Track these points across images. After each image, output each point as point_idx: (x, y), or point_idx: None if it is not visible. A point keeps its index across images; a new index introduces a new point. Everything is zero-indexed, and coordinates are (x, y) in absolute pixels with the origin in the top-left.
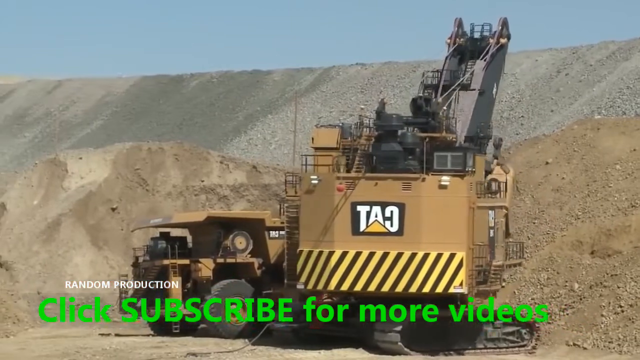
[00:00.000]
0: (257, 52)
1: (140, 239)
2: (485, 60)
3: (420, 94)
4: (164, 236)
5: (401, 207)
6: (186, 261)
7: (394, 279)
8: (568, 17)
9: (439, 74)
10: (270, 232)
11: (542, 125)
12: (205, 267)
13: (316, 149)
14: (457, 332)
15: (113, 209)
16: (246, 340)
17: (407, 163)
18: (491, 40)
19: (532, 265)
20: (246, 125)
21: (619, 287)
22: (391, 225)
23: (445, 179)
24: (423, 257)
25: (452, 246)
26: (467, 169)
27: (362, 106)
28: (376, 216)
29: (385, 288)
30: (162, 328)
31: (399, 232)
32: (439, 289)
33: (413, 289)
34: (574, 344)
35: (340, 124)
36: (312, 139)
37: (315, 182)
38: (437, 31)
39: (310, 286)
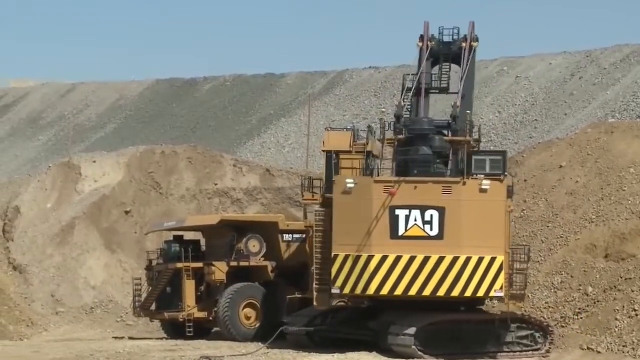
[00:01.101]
0: (270, 55)
1: (154, 242)
2: (463, 64)
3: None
4: (178, 239)
5: (441, 211)
6: (200, 264)
7: (436, 283)
8: (582, 20)
9: (417, 77)
10: (284, 235)
11: (556, 129)
12: (219, 271)
13: (327, 151)
14: (472, 335)
15: (127, 213)
16: (260, 343)
17: (436, 167)
18: (464, 44)
19: (545, 269)
20: (260, 129)
21: (633, 291)
22: (431, 229)
23: (486, 183)
24: (465, 261)
25: (492, 250)
26: (505, 173)
27: (383, 109)
28: (415, 220)
29: (427, 292)
30: (175, 331)
31: (439, 236)
32: (481, 293)
33: (455, 293)
34: (588, 348)
35: (352, 127)
36: (323, 142)
37: (352, 185)
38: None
39: (347, 291)
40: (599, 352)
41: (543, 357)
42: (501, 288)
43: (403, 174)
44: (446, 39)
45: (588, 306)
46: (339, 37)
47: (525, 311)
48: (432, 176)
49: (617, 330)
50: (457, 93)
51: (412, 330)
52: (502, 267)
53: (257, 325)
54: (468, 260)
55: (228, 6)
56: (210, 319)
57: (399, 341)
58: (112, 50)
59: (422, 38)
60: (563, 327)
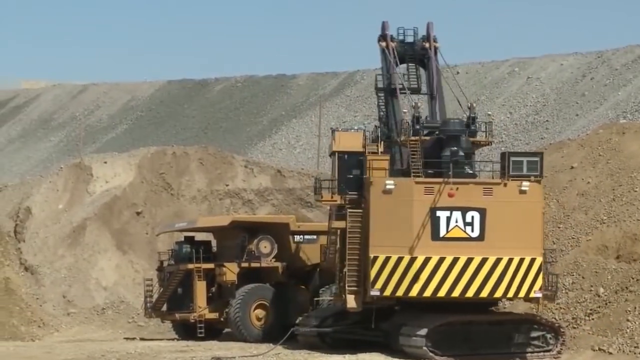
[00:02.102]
0: (281, 56)
1: (165, 243)
2: (430, 65)
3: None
4: (189, 240)
5: (482, 212)
6: (211, 265)
7: (479, 285)
8: (593, 21)
9: (388, 77)
10: (295, 236)
11: (567, 130)
12: (230, 272)
13: (339, 152)
14: (483, 336)
15: (138, 213)
16: (271, 344)
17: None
18: (427, 45)
19: (557, 270)
20: (270, 130)
21: None
22: (472, 231)
23: (526, 184)
24: (507, 262)
25: (531, 251)
26: (542, 174)
27: (405, 110)
28: (456, 221)
29: (470, 294)
30: (186, 332)
31: (480, 237)
32: (522, 293)
33: (498, 294)
34: (600, 349)
35: (361, 127)
36: (333, 142)
37: (391, 186)
38: (457, 36)
39: (387, 292)
40: (610, 353)
41: (554, 357)
42: (540, 288)
43: (435, 175)
44: (406, 39)
45: (599, 307)
46: (350, 38)
47: (537, 312)
48: (466, 177)
49: (628, 331)
50: (428, 94)
51: (423, 331)
52: (541, 268)
53: (268, 325)
54: (510, 261)
55: (239, 7)
56: (222, 319)
57: (410, 342)
58: (124, 51)
59: (383, 38)
60: (574, 328)
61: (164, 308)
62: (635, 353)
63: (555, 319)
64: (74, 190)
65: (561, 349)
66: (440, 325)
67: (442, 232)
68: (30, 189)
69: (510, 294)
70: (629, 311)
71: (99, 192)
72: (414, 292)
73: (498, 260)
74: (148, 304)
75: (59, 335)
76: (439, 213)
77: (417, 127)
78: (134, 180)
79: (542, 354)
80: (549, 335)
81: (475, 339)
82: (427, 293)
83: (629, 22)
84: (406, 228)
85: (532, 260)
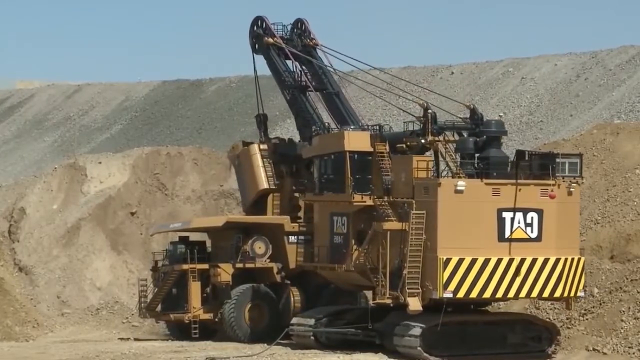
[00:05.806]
0: None
1: (160, 243)
2: (318, 62)
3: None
4: (183, 241)
5: (540, 213)
6: (205, 266)
7: (541, 285)
8: (587, 21)
9: (293, 74)
10: (290, 237)
11: (562, 130)
12: (225, 272)
13: (350, 152)
14: (477, 336)
15: (132, 214)
16: (265, 344)
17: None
18: (310, 42)
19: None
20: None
21: (638, 292)
22: (531, 231)
23: (574, 186)
24: (564, 262)
25: (576, 251)
26: (582, 175)
27: (430, 110)
28: (519, 222)
29: (534, 294)
30: (181, 332)
31: (538, 237)
32: (572, 293)
33: (557, 293)
34: (594, 349)
35: (376, 127)
36: (343, 142)
37: (463, 187)
38: (451, 36)
39: (461, 294)
40: (605, 354)
41: (549, 358)
42: (584, 287)
43: (478, 176)
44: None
45: (593, 307)
46: (344, 39)
47: (531, 312)
48: (509, 177)
49: (622, 331)
50: (334, 92)
51: (417, 331)
52: (584, 267)
53: (263, 326)
54: (566, 261)
55: (235, 7)
56: (216, 320)
57: (405, 342)
58: (118, 51)
59: (267, 34)
60: (569, 328)
61: (159, 308)
62: (629, 353)
63: (549, 319)
64: (68, 191)
65: (556, 349)
66: (435, 325)
67: (507, 233)
68: (25, 189)
69: (565, 294)
70: (623, 311)
71: (94, 192)
72: (487, 294)
73: (557, 261)
74: (142, 305)
75: (53, 335)
76: (504, 214)
77: (436, 127)
78: (129, 180)
79: (536, 354)
80: (543, 336)
81: (470, 339)
82: (499, 294)
83: (623, 23)
84: (476, 229)
85: (579, 260)
